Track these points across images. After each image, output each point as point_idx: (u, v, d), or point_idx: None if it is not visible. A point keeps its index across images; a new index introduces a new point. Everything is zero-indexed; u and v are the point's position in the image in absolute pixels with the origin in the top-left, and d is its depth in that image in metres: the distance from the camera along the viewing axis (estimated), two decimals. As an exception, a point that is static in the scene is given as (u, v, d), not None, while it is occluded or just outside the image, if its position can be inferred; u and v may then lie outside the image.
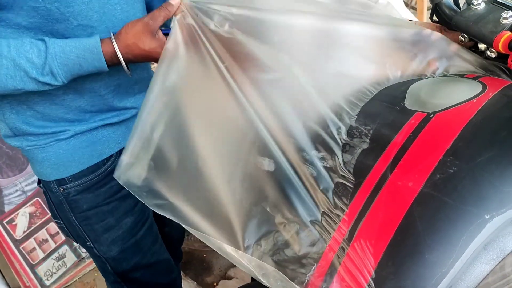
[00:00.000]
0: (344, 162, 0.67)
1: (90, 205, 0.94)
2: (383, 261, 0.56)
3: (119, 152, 0.95)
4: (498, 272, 0.56)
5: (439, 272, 0.54)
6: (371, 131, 0.69)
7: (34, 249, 1.91)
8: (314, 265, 0.60)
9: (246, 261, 0.63)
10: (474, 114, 0.65)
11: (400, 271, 0.55)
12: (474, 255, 0.55)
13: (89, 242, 0.99)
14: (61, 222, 0.99)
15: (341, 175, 0.66)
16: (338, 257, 0.59)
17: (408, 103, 0.72)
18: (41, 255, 1.93)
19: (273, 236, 0.65)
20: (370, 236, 0.59)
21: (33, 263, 1.93)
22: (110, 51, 0.76)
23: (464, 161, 0.60)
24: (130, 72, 0.80)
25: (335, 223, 0.62)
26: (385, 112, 0.72)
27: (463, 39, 0.86)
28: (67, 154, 0.89)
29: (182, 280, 1.98)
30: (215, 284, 1.96)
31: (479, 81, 0.73)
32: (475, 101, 0.68)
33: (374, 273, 0.56)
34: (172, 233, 1.26)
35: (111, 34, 0.77)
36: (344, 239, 0.60)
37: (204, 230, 0.66)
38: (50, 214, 1.10)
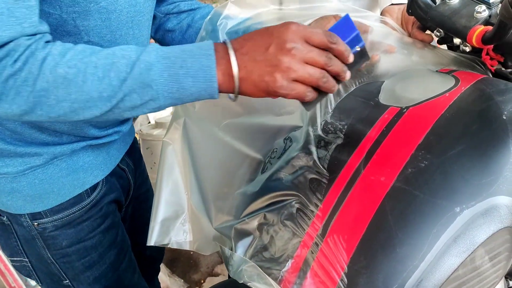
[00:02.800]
0: (319, 157, 0.67)
1: (71, 242, 0.83)
2: (355, 255, 0.57)
3: (104, 181, 0.85)
4: (469, 264, 0.56)
5: (410, 265, 0.54)
6: (345, 126, 0.70)
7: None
8: (288, 261, 0.60)
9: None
10: (446, 108, 0.66)
11: (372, 265, 0.55)
12: (444, 248, 0.55)
13: (66, 280, 0.88)
14: (25, 260, 0.86)
15: (316, 171, 0.66)
16: (312, 253, 0.59)
17: (382, 98, 0.72)
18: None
19: (255, 243, 0.65)
20: (343, 231, 0.59)
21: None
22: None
23: (435, 155, 0.60)
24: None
25: (309, 219, 0.62)
26: (359, 107, 0.72)
27: (439, 33, 0.86)
28: (44, 185, 0.77)
29: (169, 278, 1.98)
30: (202, 281, 1.96)
31: (453, 75, 0.74)
32: (447, 95, 0.69)
33: (346, 268, 0.56)
34: (153, 255, 1.19)
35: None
36: (317, 234, 0.60)
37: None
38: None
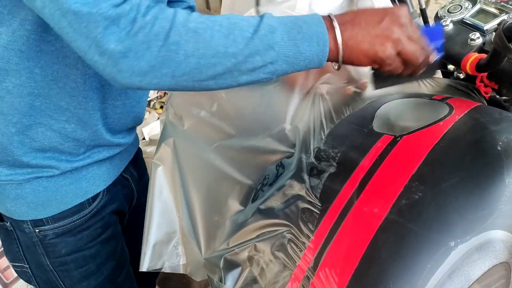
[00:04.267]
0: (311, 186, 0.66)
1: (70, 250, 0.83)
2: (348, 290, 0.55)
3: (106, 191, 0.86)
4: (464, 301, 0.55)
5: (404, 302, 0.53)
6: (338, 154, 0.68)
7: (8, 267, 1.86)
8: (279, 295, 0.58)
9: None
10: (440, 137, 0.65)
11: (364, 302, 0.54)
12: (439, 284, 0.54)
13: None
14: (26, 266, 0.87)
15: (308, 200, 0.65)
16: (303, 287, 0.58)
17: (376, 126, 0.71)
18: (15, 274, 1.87)
19: (243, 275, 0.63)
20: (335, 265, 0.57)
21: (7, 281, 1.87)
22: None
23: (429, 187, 0.59)
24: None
25: (301, 251, 0.60)
26: (353, 135, 0.71)
27: (433, 59, 0.86)
28: (47, 193, 0.78)
29: (161, 297, 1.94)
30: (194, 301, 1.92)
31: (446, 103, 0.73)
32: (441, 123, 0.68)
33: (338, 304, 0.55)
34: None
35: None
36: (309, 267, 0.59)
37: None
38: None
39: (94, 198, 0.84)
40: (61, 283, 0.87)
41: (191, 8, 0.99)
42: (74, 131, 0.75)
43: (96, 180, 0.83)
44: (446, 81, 0.86)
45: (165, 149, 0.81)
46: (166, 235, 0.77)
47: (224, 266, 0.64)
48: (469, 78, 0.82)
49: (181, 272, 0.77)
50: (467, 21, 0.82)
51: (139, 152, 1.02)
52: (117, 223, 0.93)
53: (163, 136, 0.82)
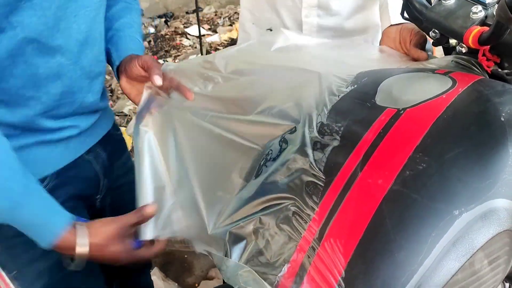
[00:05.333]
0: (315, 160, 0.66)
1: (17, 232, 0.77)
2: (353, 260, 0.56)
3: (55, 174, 0.85)
4: (468, 268, 0.56)
5: (409, 270, 0.53)
6: (342, 128, 0.69)
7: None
8: (284, 265, 0.59)
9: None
10: (443, 109, 0.65)
11: (370, 270, 0.54)
12: (443, 252, 0.54)
13: (14, 271, 0.86)
14: None
15: (312, 173, 0.65)
16: (308, 257, 0.58)
17: (379, 100, 0.71)
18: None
19: (249, 247, 0.63)
20: (340, 235, 0.58)
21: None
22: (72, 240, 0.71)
23: (433, 158, 0.59)
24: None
25: (306, 223, 0.61)
26: (356, 109, 0.71)
27: (434, 34, 0.86)
28: None
29: (163, 282, 1.96)
30: (196, 284, 1.94)
31: (449, 76, 0.73)
32: (444, 96, 0.68)
33: (344, 273, 0.55)
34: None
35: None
36: (314, 238, 0.59)
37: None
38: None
39: (41, 181, 0.81)
40: (10, 265, 0.85)
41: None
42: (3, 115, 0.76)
43: (45, 164, 0.83)
44: (448, 57, 0.85)
45: (151, 116, 0.80)
46: (160, 203, 0.76)
47: (230, 240, 0.65)
48: (471, 53, 0.82)
49: (181, 235, 0.76)
50: (469, -5, 0.81)
51: (113, 132, 1.01)
52: (80, 208, 0.91)
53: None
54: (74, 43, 0.78)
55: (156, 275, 2.01)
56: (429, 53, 1.00)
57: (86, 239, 0.71)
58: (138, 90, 0.89)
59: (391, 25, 1.03)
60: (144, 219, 0.74)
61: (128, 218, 0.74)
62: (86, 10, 0.79)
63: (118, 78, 0.92)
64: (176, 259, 2.07)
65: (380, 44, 1.04)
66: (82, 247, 0.71)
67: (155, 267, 2.05)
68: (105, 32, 0.90)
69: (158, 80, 0.81)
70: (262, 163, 0.72)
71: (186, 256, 2.02)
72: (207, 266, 2.00)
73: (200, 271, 2.01)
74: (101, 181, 0.97)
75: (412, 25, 0.97)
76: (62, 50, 0.77)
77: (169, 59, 4.13)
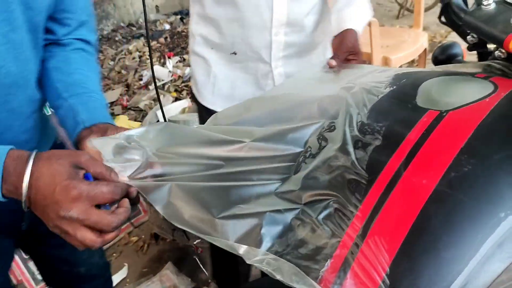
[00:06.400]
0: (357, 158, 0.67)
1: None
2: (398, 257, 0.56)
3: None
4: (512, 270, 0.56)
5: (455, 269, 0.54)
6: (383, 128, 0.69)
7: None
8: (327, 261, 0.60)
9: (259, 259, 0.62)
10: (487, 113, 0.65)
11: (416, 268, 0.55)
12: (488, 253, 0.55)
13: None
14: None
15: (354, 171, 0.65)
16: (352, 253, 0.59)
17: (420, 101, 0.72)
18: None
19: (287, 236, 0.64)
20: (384, 233, 0.58)
21: (26, 257, 1.90)
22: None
23: (479, 160, 0.60)
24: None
25: (349, 219, 0.61)
26: (397, 109, 0.72)
27: (473, 38, 0.86)
28: None
29: (177, 277, 1.97)
30: (209, 281, 1.95)
31: (490, 81, 0.74)
32: (487, 100, 0.68)
33: (388, 270, 0.56)
34: (92, 272, 1.12)
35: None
36: (357, 235, 0.60)
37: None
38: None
39: None
40: None
41: (88, 43, 0.94)
42: None
43: None
44: (484, 62, 0.86)
45: None
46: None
47: (267, 221, 0.65)
48: (509, 59, 0.82)
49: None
50: (509, 1, 0.82)
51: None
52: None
53: None
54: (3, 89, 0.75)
55: (169, 270, 2.03)
56: (459, 57, 1.01)
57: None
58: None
59: (335, 35, 1.09)
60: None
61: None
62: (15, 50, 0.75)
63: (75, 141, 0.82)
64: (190, 254, 2.09)
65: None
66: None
67: (169, 262, 2.06)
68: (63, 84, 0.85)
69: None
70: (301, 159, 0.73)
71: (200, 251, 2.03)
72: (221, 262, 2.01)
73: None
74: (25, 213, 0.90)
75: (349, 35, 1.06)
76: None
77: (186, 56, 4.14)
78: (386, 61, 2.57)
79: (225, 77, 1.25)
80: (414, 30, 2.87)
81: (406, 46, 2.68)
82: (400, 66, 2.66)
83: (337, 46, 1.06)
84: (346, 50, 1.03)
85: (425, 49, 2.77)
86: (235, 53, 1.19)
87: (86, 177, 0.64)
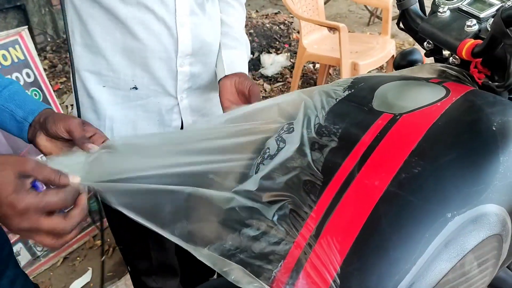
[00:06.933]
0: (313, 160, 0.68)
1: None
2: (349, 257, 0.57)
3: None
4: (458, 270, 0.58)
5: (403, 268, 0.55)
6: (339, 130, 0.70)
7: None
8: (280, 261, 0.60)
9: (210, 259, 0.62)
10: (438, 116, 0.67)
11: (365, 267, 0.56)
12: (435, 252, 0.56)
13: None
14: None
15: (310, 172, 0.66)
16: (305, 254, 0.59)
17: (375, 104, 0.73)
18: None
19: (239, 233, 0.64)
20: (336, 233, 0.59)
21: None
22: None
23: (428, 162, 0.62)
24: None
25: (303, 220, 0.62)
26: (353, 112, 0.73)
27: (429, 45, 0.89)
28: None
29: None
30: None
31: (443, 86, 0.76)
32: (439, 104, 0.70)
33: (339, 269, 0.57)
34: None
35: None
36: (311, 235, 0.60)
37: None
38: None
39: None
40: None
41: None
42: None
43: None
44: (441, 66, 0.88)
45: None
46: None
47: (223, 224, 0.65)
48: (463, 64, 0.85)
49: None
50: (463, 9, 0.84)
51: None
52: None
53: None
54: None
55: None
56: (419, 63, 1.04)
57: None
58: (57, 147, 0.83)
59: (225, 75, 1.09)
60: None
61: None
62: None
63: (28, 135, 0.81)
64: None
65: (219, 96, 1.08)
66: None
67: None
68: None
69: (93, 148, 0.76)
70: (259, 160, 0.73)
71: (166, 255, 2.01)
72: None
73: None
74: None
75: (244, 77, 1.07)
76: None
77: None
78: (354, 67, 2.62)
79: (124, 118, 1.12)
80: (382, 37, 2.94)
81: (374, 52, 2.74)
82: (369, 72, 2.71)
83: (236, 89, 1.07)
84: (246, 94, 1.04)
85: (393, 56, 2.84)
86: (136, 88, 1.08)
87: (34, 185, 0.62)
